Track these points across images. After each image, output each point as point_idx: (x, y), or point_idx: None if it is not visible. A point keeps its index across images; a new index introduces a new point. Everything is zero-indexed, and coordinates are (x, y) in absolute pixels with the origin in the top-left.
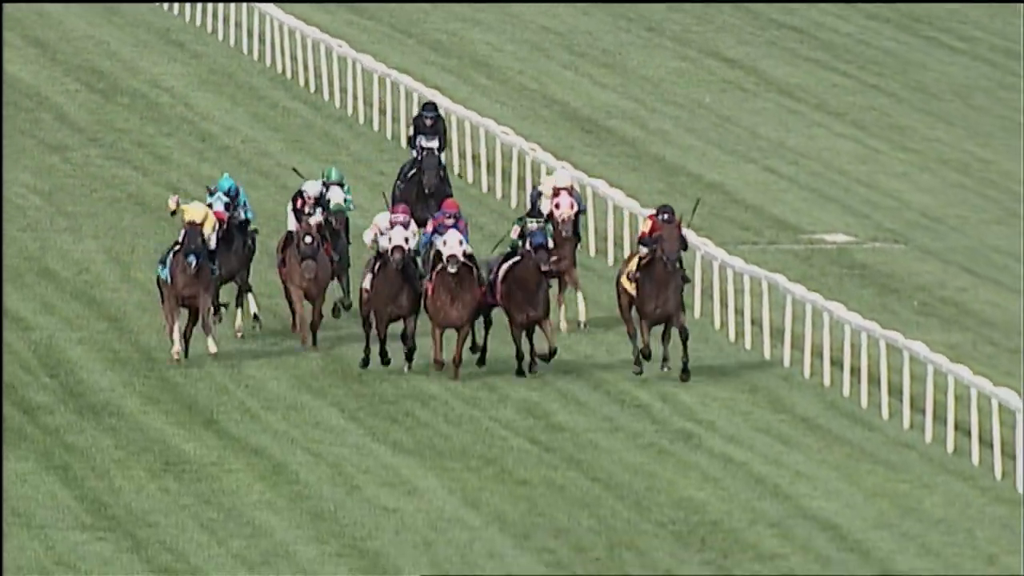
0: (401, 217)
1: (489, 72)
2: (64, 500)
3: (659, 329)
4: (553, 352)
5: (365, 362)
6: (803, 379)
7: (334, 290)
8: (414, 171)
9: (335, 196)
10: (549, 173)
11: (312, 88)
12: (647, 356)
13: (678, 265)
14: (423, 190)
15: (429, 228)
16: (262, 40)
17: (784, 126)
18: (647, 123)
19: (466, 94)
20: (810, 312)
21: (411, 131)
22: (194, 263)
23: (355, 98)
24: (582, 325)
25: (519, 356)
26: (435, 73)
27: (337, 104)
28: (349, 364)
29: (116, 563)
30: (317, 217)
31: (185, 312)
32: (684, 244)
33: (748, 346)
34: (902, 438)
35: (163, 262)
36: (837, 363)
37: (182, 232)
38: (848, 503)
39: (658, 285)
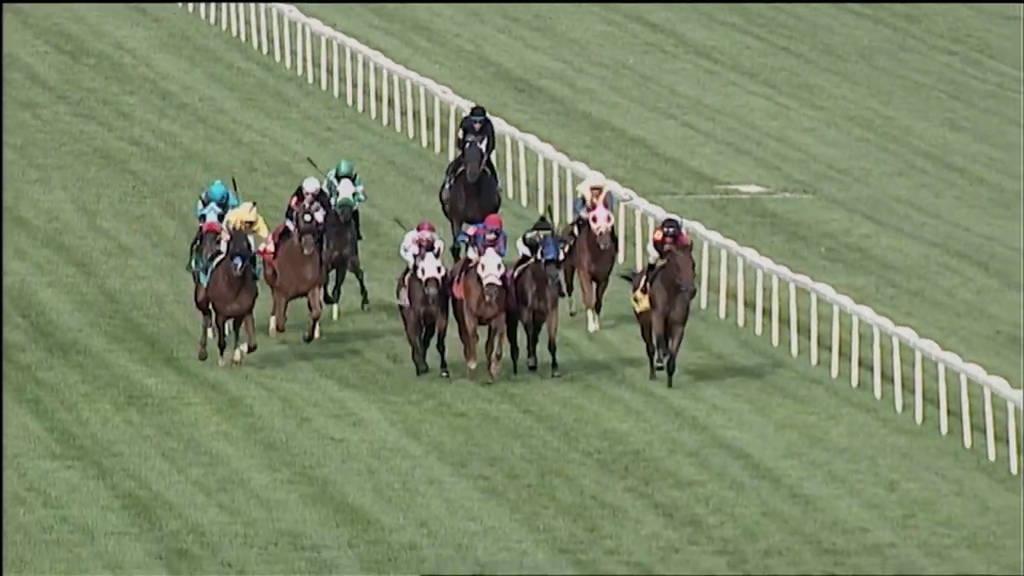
0: (427, 235)
1: (429, 35)
2: (35, 431)
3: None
4: (553, 346)
5: (419, 368)
6: (719, 320)
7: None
8: (461, 167)
9: (344, 190)
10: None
11: (264, 50)
12: (658, 361)
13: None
14: (467, 185)
15: (470, 232)
16: (218, 6)
17: (701, 85)
18: (575, 82)
19: (407, 55)
20: (725, 257)
21: (460, 133)
22: (239, 265)
23: (304, 60)
24: (593, 330)
25: (529, 346)
26: (379, 36)
27: (288, 65)
28: (299, 308)
29: (83, 489)
30: (319, 215)
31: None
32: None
33: None
34: (810, 374)
35: (205, 270)
36: (750, 305)
37: (226, 236)
38: (760, 434)
39: (669, 294)
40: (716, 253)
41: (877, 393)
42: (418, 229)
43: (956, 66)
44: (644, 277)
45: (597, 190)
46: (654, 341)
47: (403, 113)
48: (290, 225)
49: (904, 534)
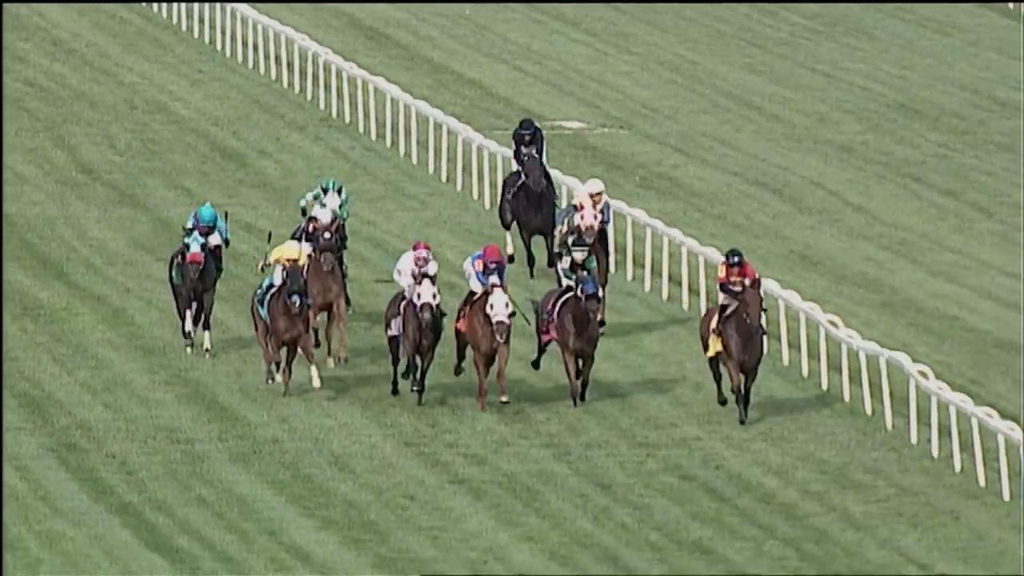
0: (424, 253)
1: None
2: None
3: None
4: (586, 383)
5: (395, 387)
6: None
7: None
8: (521, 180)
9: (330, 202)
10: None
11: (143, 3)
12: (737, 395)
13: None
14: (531, 195)
15: (478, 267)
16: None
17: (530, 33)
18: (419, 30)
19: (270, 7)
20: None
21: (513, 146)
22: (298, 303)
23: (179, 10)
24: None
25: (572, 384)
26: None
27: (164, 15)
28: (177, 228)
29: None
30: (328, 238)
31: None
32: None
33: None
34: (625, 287)
35: (261, 302)
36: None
37: (281, 271)
38: None
39: (742, 336)
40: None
41: (685, 305)
42: (414, 248)
43: (754, 16)
44: (717, 318)
45: (594, 197)
46: (731, 389)
47: (266, 58)
48: (307, 247)
49: (709, 429)
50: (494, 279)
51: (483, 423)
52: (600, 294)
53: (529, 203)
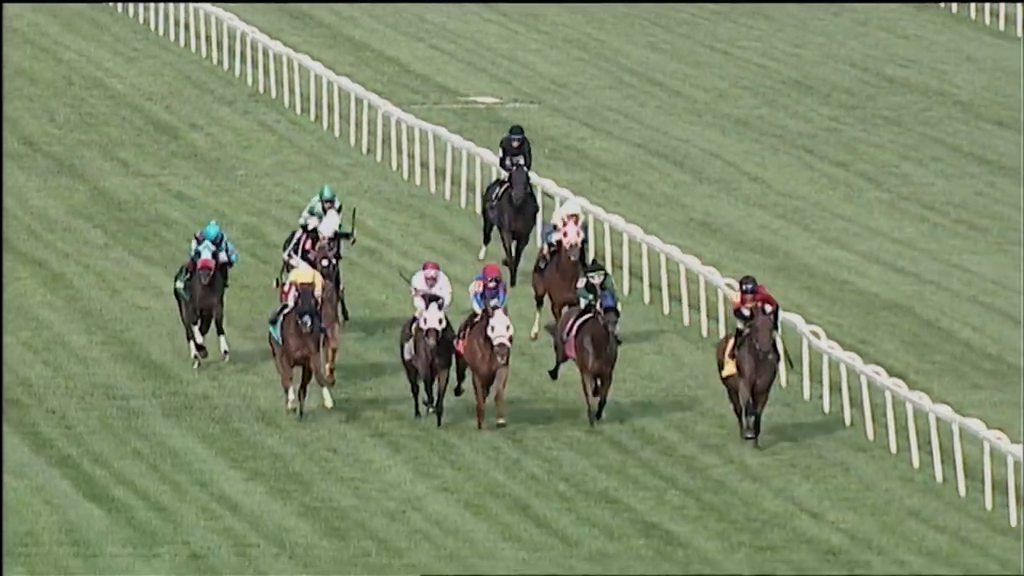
0: (432, 272)
1: None
2: None
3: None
4: (603, 403)
5: (417, 412)
6: (460, 208)
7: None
8: (505, 187)
9: (330, 218)
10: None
11: None
12: (749, 413)
13: (773, 353)
14: (513, 204)
15: (476, 288)
16: None
17: (446, 13)
18: (341, 11)
19: None
20: (465, 156)
21: (500, 153)
22: (309, 323)
23: None
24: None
25: (589, 403)
26: None
27: None
28: (113, 196)
29: None
30: (328, 251)
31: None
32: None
33: (418, 182)
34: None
35: (274, 322)
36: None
37: (294, 293)
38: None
39: (755, 360)
40: (458, 152)
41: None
42: (423, 268)
43: None
44: (733, 343)
45: (574, 217)
46: (741, 404)
47: (197, 36)
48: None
49: (614, 387)
50: (494, 302)
51: (401, 380)
52: (618, 308)
53: (511, 208)
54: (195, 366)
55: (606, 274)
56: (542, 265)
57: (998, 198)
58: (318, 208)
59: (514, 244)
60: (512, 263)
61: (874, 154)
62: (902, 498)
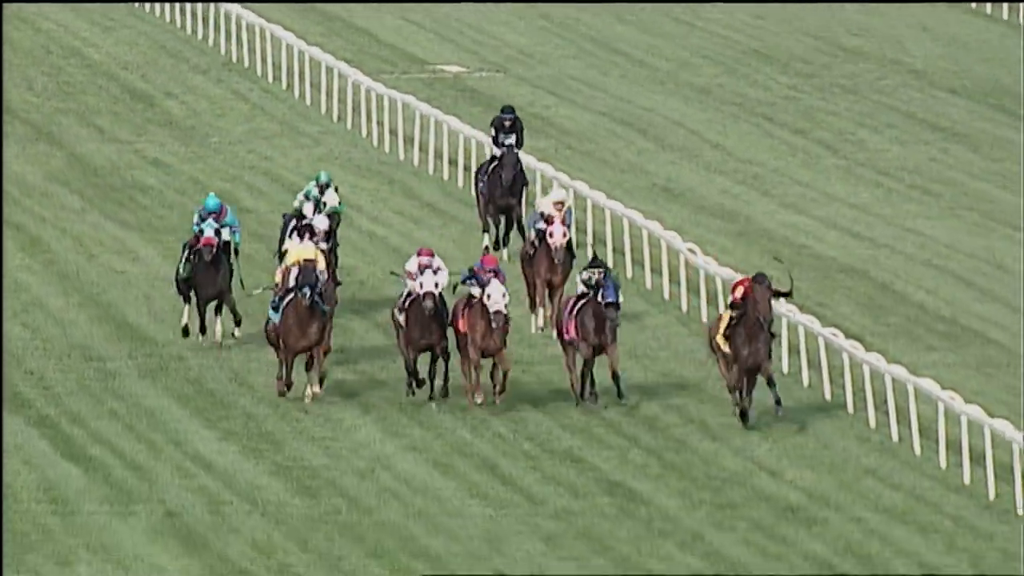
0: (426, 260)
1: None
2: None
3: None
4: (617, 376)
5: (410, 385)
6: (428, 174)
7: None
8: (495, 166)
9: (330, 199)
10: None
11: None
12: (744, 414)
13: (769, 325)
14: (503, 182)
15: (469, 272)
16: None
17: None
18: None
19: None
20: (433, 123)
21: (492, 131)
22: (308, 295)
23: None
24: (541, 328)
25: (591, 383)
26: None
27: None
28: (89, 162)
29: None
30: (323, 244)
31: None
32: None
33: (387, 149)
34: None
35: (276, 308)
36: (453, 162)
37: (294, 272)
38: (456, 264)
39: (749, 338)
40: (426, 120)
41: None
42: (418, 255)
43: None
44: (725, 323)
45: (559, 204)
46: (727, 386)
47: (171, 7)
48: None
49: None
50: (491, 276)
51: (371, 341)
52: (619, 303)
53: (501, 187)
54: (201, 341)
55: (607, 270)
56: (531, 252)
57: (951, 164)
58: (314, 192)
59: (503, 219)
60: (501, 240)
61: (831, 122)
62: (859, 457)
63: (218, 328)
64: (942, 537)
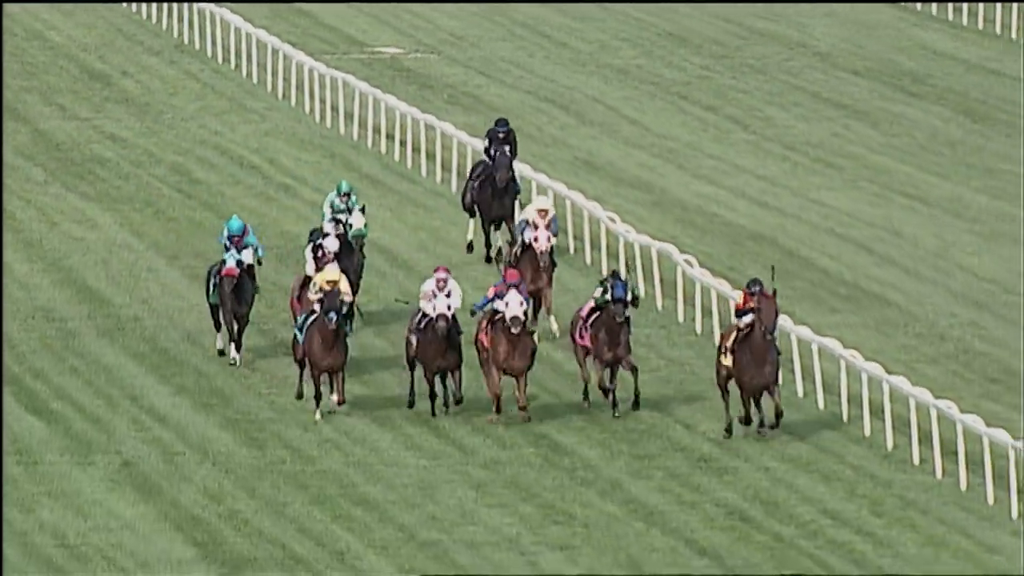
0: (443, 275)
1: None
2: None
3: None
4: (636, 393)
5: (411, 404)
6: (366, 148)
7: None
8: (488, 172)
9: (356, 221)
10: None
11: None
12: (746, 423)
13: (774, 337)
14: (495, 188)
15: (490, 294)
16: None
17: None
18: None
19: None
20: (371, 101)
21: (486, 142)
22: (334, 320)
23: None
24: (556, 335)
25: (604, 391)
26: None
27: None
28: (52, 138)
29: None
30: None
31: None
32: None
33: (328, 125)
34: (436, 189)
35: (301, 328)
36: (391, 136)
37: (320, 295)
38: (394, 233)
39: (756, 357)
40: (365, 97)
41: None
42: (435, 272)
43: None
44: (732, 338)
45: (543, 212)
46: (737, 402)
47: None
48: (310, 270)
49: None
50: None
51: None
52: (629, 299)
53: (492, 194)
54: (233, 364)
55: (625, 281)
56: (515, 259)
57: (852, 139)
58: (339, 203)
59: (492, 228)
60: (488, 244)
61: (741, 99)
62: (766, 411)
63: (237, 354)
64: (844, 485)
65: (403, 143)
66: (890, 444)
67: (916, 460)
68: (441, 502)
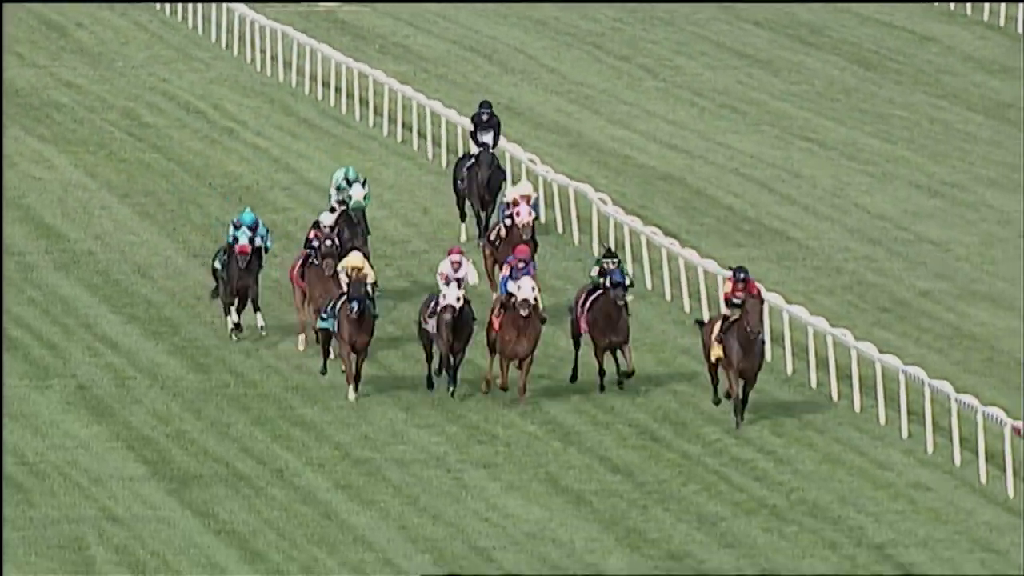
0: (457, 257)
1: None
2: None
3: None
4: (631, 373)
5: (430, 381)
6: (304, 95)
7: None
8: (471, 164)
9: (355, 193)
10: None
11: None
12: (730, 397)
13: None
14: (480, 176)
15: (505, 271)
16: None
17: None
18: None
19: None
20: (308, 51)
21: (472, 127)
22: (356, 308)
23: None
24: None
25: (601, 373)
26: None
27: None
28: (11, 84)
29: None
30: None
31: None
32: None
33: (268, 73)
34: (369, 133)
35: (325, 317)
36: (326, 84)
37: (347, 282)
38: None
39: (744, 349)
40: (303, 48)
41: (432, 156)
42: (449, 254)
43: None
44: (719, 327)
45: (526, 197)
46: (726, 395)
47: None
48: (311, 252)
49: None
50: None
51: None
52: (627, 283)
53: (478, 182)
54: (233, 339)
55: (619, 261)
56: (495, 240)
57: (755, 86)
58: (344, 185)
59: (483, 212)
60: (482, 225)
61: (652, 49)
62: (675, 338)
63: (258, 317)
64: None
65: (338, 90)
66: (790, 369)
67: (814, 383)
68: (373, 423)
